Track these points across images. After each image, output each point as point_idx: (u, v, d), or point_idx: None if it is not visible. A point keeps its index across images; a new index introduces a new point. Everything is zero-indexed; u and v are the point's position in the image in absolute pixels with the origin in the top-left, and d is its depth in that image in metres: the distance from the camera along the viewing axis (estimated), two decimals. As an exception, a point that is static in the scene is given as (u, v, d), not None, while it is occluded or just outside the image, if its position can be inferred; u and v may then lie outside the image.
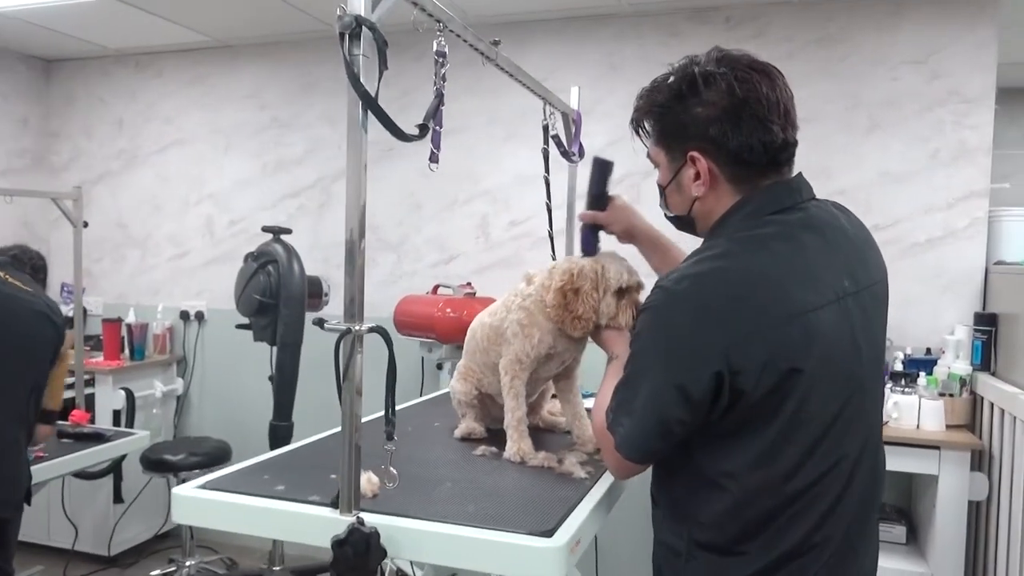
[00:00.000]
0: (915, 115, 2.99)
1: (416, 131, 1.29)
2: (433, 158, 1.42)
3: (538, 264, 3.48)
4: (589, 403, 1.79)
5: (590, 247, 1.51)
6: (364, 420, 1.18)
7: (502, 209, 3.59)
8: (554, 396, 1.88)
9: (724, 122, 1.07)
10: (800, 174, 1.14)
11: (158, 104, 4.23)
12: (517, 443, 1.54)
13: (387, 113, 1.16)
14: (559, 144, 2.19)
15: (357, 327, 1.13)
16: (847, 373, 1.05)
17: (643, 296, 1.47)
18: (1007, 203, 3.00)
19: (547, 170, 2.20)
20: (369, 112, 1.14)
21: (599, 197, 1.49)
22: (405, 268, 3.73)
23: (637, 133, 1.21)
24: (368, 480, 1.27)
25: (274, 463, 1.51)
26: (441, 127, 1.44)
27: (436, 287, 3.35)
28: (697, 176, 1.12)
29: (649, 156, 1.22)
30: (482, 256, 3.61)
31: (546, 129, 2.14)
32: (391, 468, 1.22)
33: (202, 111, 4.12)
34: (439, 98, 1.40)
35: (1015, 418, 2.32)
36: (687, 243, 1.30)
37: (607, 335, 1.46)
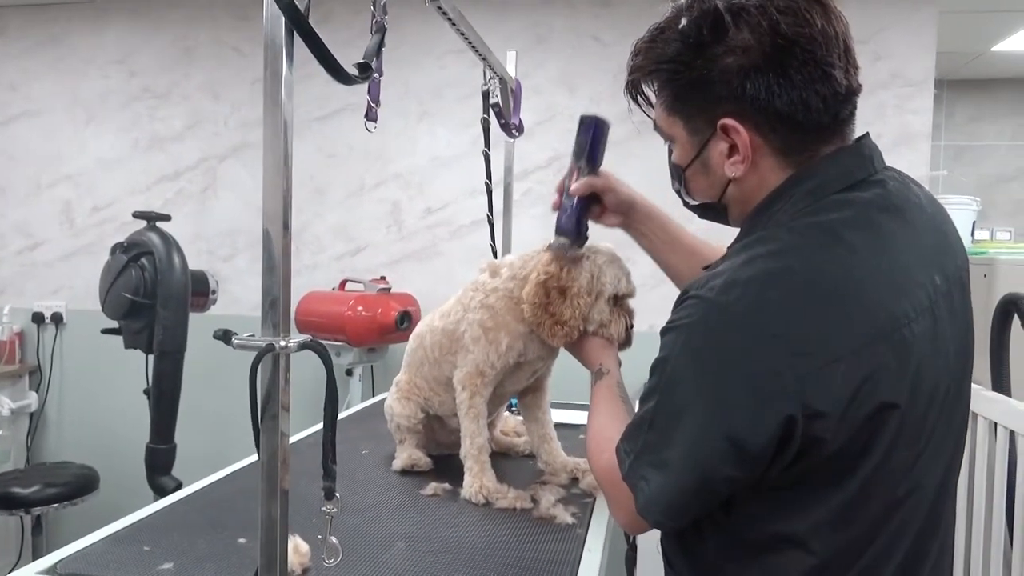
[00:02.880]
0: (860, 98, 2.92)
1: (356, 71, 0.97)
2: (371, 114, 1.20)
3: (459, 256, 3.32)
4: (561, 416, 1.58)
5: (580, 228, 1.21)
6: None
7: (416, 195, 3.40)
8: (513, 410, 1.62)
9: (767, 72, 0.83)
10: (867, 135, 0.91)
11: (0, 68, 3.77)
12: (479, 479, 1.31)
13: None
14: (499, 115, 1.90)
15: (283, 342, 0.84)
16: (939, 400, 0.85)
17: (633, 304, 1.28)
18: (943, 192, 2.98)
19: (487, 144, 1.96)
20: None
21: (594, 163, 1.20)
22: (305, 261, 3.49)
23: (635, 100, 0.96)
24: (295, 550, 0.96)
25: (156, 523, 1.19)
26: (382, 74, 1.17)
27: (344, 282, 3.17)
28: (732, 151, 0.88)
29: (657, 128, 0.97)
30: (394, 247, 3.42)
31: (486, 96, 1.88)
32: (332, 538, 0.90)
33: (58, 77, 3.72)
34: (381, 33, 1.10)
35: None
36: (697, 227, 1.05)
37: (593, 344, 1.24)
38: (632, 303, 1.27)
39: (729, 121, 0.86)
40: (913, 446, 0.83)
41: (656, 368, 0.85)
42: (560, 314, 1.21)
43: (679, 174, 0.97)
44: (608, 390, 1.12)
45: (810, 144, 0.87)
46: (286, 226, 0.86)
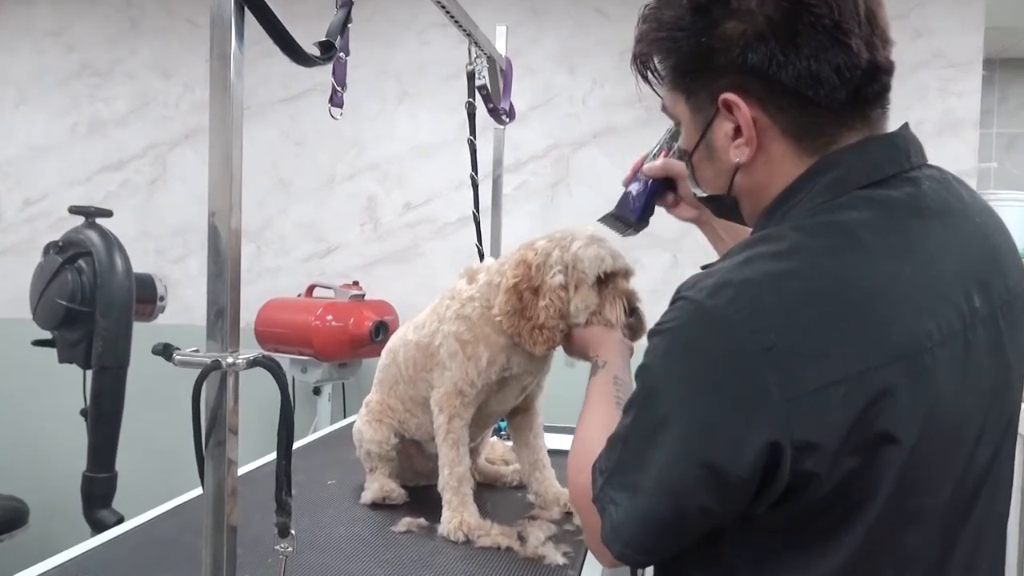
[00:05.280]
0: (898, 79, 2.94)
1: (317, 51, 1.00)
2: (336, 99, 1.24)
3: (443, 258, 3.33)
4: (555, 442, 1.61)
5: (645, 213, 1.24)
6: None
7: (394, 187, 3.42)
8: (502, 435, 1.66)
9: (770, 39, 0.83)
10: (906, 125, 0.91)
11: (-84, 41, 3.81)
12: (459, 513, 1.33)
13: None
14: (486, 99, 1.92)
15: (231, 359, 0.85)
16: (968, 444, 0.84)
17: (633, 283, 1.30)
18: (994, 186, 2.99)
19: (472, 131, 1.98)
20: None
21: (674, 143, 1.22)
22: (267, 263, 3.50)
23: (644, 77, 0.96)
24: (246, 595, 0.96)
25: (93, 562, 1.21)
26: (348, 54, 1.23)
27: (311, 288, 3.20)
28: (737, 132, 0.88)
29: (665, 110, 0.98)
30: (369, 248, 3.44)
31: (471, 77, 1.89)
32: (287, 582, 0.91)
33: (-17, 53, 3.74)
34: (347, 8, 1.12)
35: None
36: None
37: (588, 333, 1.25)
38: (633, 282, 1.28)
39: (730, 96, 0.85)
40: (932, 494, 0.81)
41: (639, 376, 0.86)
42: (536, 317, 1.23)
43: (687, 160, 0.97)
44: (601, 388, 1.12)
45: (826, 128, 0.86)
46: (235, 222, 0.88)
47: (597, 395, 1.11)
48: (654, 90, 0.96)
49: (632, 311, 1.26)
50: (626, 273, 1.28)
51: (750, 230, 1.24)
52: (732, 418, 0.76)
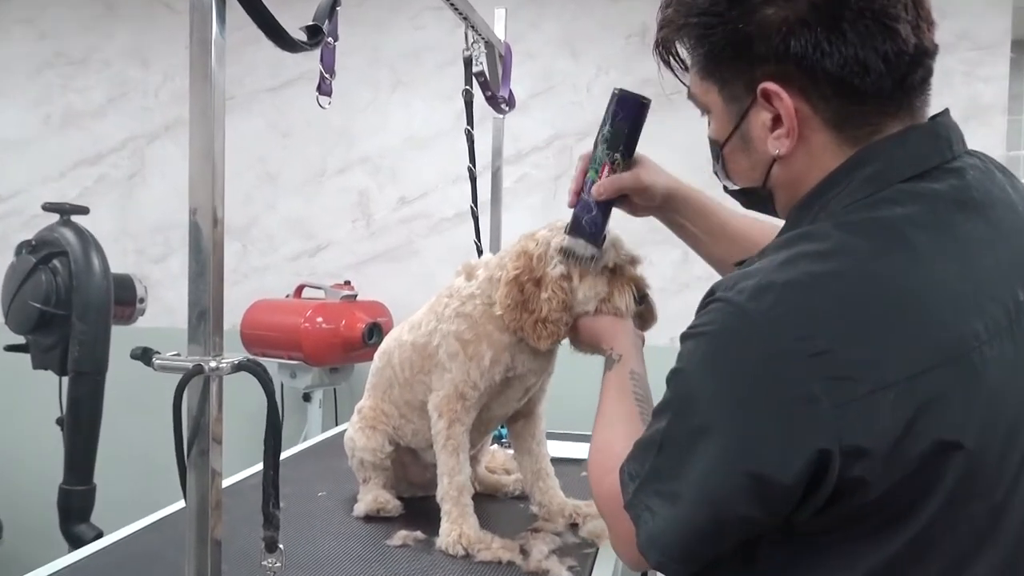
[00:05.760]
0: (922, 63, 2.97)
1: (304, 36, 1.02)
2: (324, 87, 1.26)
3: (440, 256, 3.34)
4: (559, 450, 1.63)
5: (597, 230, 1.23)
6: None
7: (387, 181, 3.43)
8: (503, 443, 1.70)
9: (815, 26, 0.84)
10: (946, 111, 0.92)
11: None
12: (458, 525, 1.34)
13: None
14: (484, 86, 1.93)
15: (214, 363, 0.86)
16: (1021, 444, 0.85)
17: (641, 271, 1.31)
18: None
19: (470, 121, 1.98)
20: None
21: (631, 154, 1.21)
22: (254, 262, 3.52)
23: (666, 63, 0.98)
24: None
25: None
26: (337, 39, 1.25)
27: (300, 288, 3.21)
28: (776, 122, 0.89)
29: (692, 97, 0.99)
30: (361, 245, 3.46)
31: (468, 63, 1.91)
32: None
33: (-52, 40, 3.76)
34: None
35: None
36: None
37: (598, 323, 1.26)
38: (640, 270, 1.29)
39: (771, 85, 0.87)
40: (986, 498, 0.83)
41: (671, 380, 0.87)
42: (539, 309, 1.24)
43: (716, 152, 0.99)
44: (619, 384, 1.13)
45: (871, 117, 0.88)
46: (218, 219, 0.88)
47: (615, 391, 1.13)
48: (677, 77, 0.98)
49: (642, 298, 1.27)
50: (632, 261, 1.29)
51: (727, 213, 1.28)
52: (779, 427, 0.78)
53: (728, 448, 0.81)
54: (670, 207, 1.28)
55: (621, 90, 1.19)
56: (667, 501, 0.85)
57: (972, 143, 0.92)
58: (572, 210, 1.24)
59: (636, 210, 1.28)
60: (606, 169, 1.20)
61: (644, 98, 1.19)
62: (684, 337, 0.86)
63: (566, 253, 1.25)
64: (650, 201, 1.25)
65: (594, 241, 1.23)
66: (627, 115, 1.19)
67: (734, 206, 1.20)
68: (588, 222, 1.21)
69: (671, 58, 0.96)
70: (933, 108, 0.90)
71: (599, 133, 1.20)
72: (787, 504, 0.80)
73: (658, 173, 1.26)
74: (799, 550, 0.85)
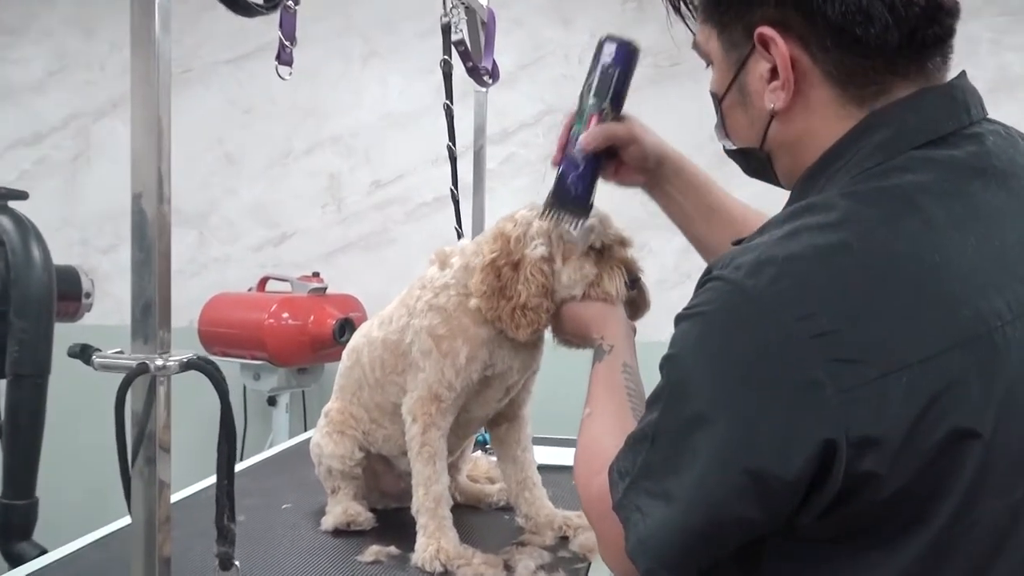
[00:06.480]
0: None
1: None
2: (284, 56, 1.27)
3: (418, 244, 3.34)
4: (546, 456, 1.65)
5: (585, 191, 1.22)
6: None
7: (360, 163, 3.45)
8: (486, 449, 1.73)
9: None
10: (963, 74, 0.93)
11: None
12: (435, 539, 1.34)
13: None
14: (464, 56, 1.93)
15: (161, 361, 0.87)
16: None
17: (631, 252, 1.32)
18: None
19: (449, 95, 1.97)
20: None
21: (620, 105, 1.22)
22: (213, 253, 3.54)
23: (676, 9, 1.01)
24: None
25: None
26: (298, 2, 1.25)
27: (264, 280, 3.23)
28: (774, 74, 0.91)
29: (697, 47, 1.01)
30: (332, 233, 3.48)
31: (447, 30, 1.89)
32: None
33: None
34: None
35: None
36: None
37: (586, 310, 1.27)
38: (631, 252, 1.30)
39: (767, 30, 0.88)
40: (1006, 494, 0.83)
41: (664, 367, 0.88)
42: (517, 296, 1.24)
43: (717, 105, 1.00)
44: (610, 377, 1.14)
45: (876, 75, 0.88)
46: (164, 197, 0.88)
47: (606, 385, 1.14)
48: (686, 24, 1.01)
49: (634, 283, 1.27)
50: (622, 242, 1.30)
51: (720, 192, 1.30)
52: (779, 415, 0.79)
53: (724, 440, 0.81)
54: (661, 175, 1.28)
55: (609, 35, 1.21)
56: (659, 501, 0.86)
57: (998, 117, 0.93)
58: (556, 171, 1.23)
59: (625, 176, 1.28)
60: (594, 119, 1.20)
61: (634, 44, 1.20)
62: (678, 319, 0.87)
63: (552, 214, 1.23)
64: (642, 161, 1.26)
65: (581, 205, 1.22)
66: (616, 61, 1.20)
67: (731, 190, 1.21)
68: (574, 181, 1.21)
69: (680, 2, 1.00)
70: (952, 74, 0.91)
71: (584, 84, 1.21)
72: (789, 503, 0.80)
73: (651, 133, 1.27)
74: (806, 561, 0.85)
